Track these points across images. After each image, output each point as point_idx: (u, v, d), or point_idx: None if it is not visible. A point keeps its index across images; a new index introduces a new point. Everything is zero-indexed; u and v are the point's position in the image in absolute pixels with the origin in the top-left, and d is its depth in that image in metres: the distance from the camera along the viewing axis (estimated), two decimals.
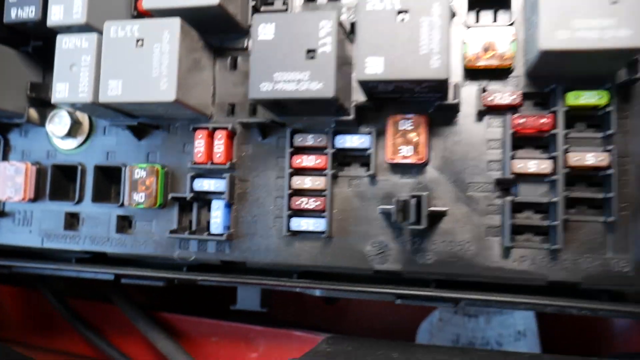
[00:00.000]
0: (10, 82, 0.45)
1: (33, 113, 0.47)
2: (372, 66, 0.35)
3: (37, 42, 0.46)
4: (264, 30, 0.37)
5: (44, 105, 0.48)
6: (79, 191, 0.46)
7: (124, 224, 0.46)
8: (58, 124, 0.46)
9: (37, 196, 0.47)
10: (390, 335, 0.59)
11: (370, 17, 0.36)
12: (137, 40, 0.39)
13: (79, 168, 0.46)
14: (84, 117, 0.47)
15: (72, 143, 0.47)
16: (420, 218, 0.38)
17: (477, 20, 0.41)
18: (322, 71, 0.36)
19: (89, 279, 0.62)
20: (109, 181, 0.48)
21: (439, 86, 0.36)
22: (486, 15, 0.41)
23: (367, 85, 0.37)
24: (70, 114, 0.46)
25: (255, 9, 0.43)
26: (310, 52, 0.37)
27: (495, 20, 0.41)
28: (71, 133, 0.46)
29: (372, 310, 0.65)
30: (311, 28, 0.37)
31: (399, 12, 0.36)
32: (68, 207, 0.47)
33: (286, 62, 0.37)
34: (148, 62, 0.39)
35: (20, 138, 0.49)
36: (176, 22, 0.38)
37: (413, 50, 0.35)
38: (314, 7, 0.43)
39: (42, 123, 0.47)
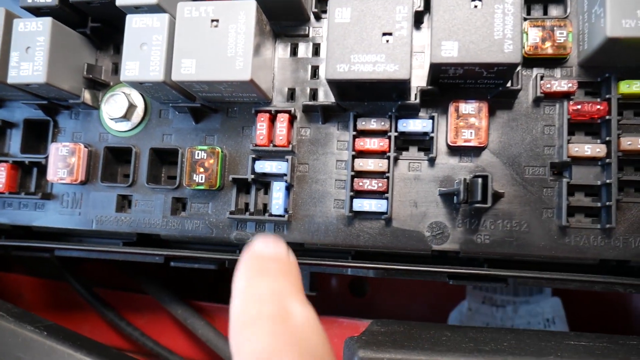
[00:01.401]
0: (69, 63, 0.45)
1: (87, 94, 0.47)
2: (447, 50, 0.37)
3: (95, 24, 0.46)
4: (341, 13, 0.39)
5: (97, 87, 0.48)
6: (133, 174, 0.46)
7: (178, 206, 0.47)
8: (114, 106, 0.46)
9: (88, 179, 0.47)
10: None
11: (446, 3, 0.38)
12: (212, 21, 0.40)
13: (134, 150, 0.46)
14: (139, 100, 0.47)
15: (125, 126, 0.47)
16: (486, 197, 0.39)
17: (529, 13, 0.44)
18: (398, 53, 0.38)
19: (116, 268, 0.61)
20: (160, 164, 0.48)
21: (508, 71, 0.38)
22: (538, 9, 0.44)
23: (439, 69, 0.39)
24: (127, 96, 0.46)
25: None
26: (386, 35, 0.38)
27: (545, 13, 0.44)
28: (126, 115, 0.46)
29: (398, 302, 0.66)
30: (388, 12, 0.38)
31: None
32: (120, 190, 0.47)
33: (362, 44, 0.38)
34: (223, 42, 0.39)
35: (70, 120, 0.49)
36: (252, 3, 0.40)
37: (487, 36, 0.37)
38: None
39: (94, 105, 0.47)
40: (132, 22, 0.41)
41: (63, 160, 0.46)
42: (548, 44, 0.41)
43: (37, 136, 0.50)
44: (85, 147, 0.47)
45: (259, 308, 0.28)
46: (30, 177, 0.49)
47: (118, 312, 0.58)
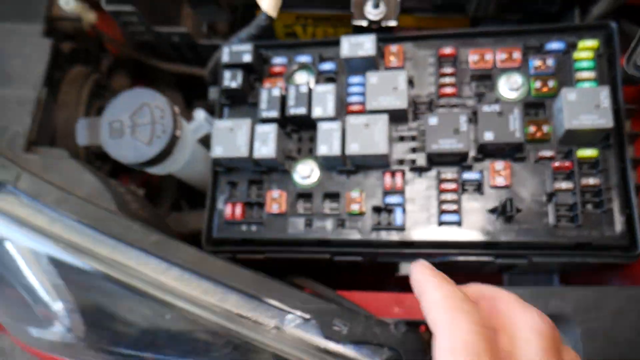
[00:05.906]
0: (281, 147, 0.84)
1: (287, 164, 0.86)
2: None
3: (293, 127, 0.86)
4: None
5: (291, 159, 0.87)
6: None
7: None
8: (303, 170, 0.84)
9: (287, 211, 0.85)
10: None
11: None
12: None
13: (314, 193, 0.85)
14: (315, 167, 0.86)
15: (308, 180, 0.85)
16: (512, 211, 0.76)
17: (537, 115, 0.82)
18: None
19: None
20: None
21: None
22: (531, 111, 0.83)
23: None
24: (310, 165, 0.85)
25: None
26: None
27: (537, 116, 0.82)
28: (310, 176, 0.84)
29: None
30: None
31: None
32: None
33: None
34: None
35: (276, 175, 0.87)
36: None
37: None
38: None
39: (288, 169, 0.86)
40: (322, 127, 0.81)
41: (275, 200, 0.84)
42: (539, 133, 0.79)
43: (257, 188, 0.88)
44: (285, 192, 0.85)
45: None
46: (252, 209, 0.87)
47: None
